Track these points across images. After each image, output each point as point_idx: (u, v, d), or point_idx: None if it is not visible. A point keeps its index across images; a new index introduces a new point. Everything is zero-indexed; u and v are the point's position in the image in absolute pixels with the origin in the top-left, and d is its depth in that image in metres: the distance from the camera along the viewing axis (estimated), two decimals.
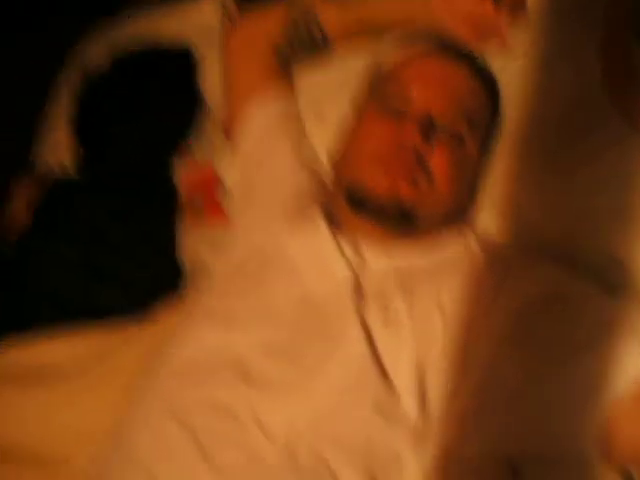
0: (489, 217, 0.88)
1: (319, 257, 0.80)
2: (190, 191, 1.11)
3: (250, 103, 0.95)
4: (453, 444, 0.70)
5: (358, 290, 0.77)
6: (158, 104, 1.16)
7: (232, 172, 0.98)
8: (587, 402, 0.67)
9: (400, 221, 0.81)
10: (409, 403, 0.70)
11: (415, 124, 0.80)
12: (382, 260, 0.81)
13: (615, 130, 0.82)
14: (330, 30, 0.96)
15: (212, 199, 1.06)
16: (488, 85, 0.89)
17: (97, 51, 1.24)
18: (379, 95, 0.86)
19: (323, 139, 0.96)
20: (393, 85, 0.85)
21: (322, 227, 0.82)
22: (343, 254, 0.80)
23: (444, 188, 0.81)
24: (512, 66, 0.90)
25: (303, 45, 0.96)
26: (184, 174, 1.12)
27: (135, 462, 0.71)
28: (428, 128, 0.80)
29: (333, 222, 0.84)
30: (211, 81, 1.13)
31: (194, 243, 1.07)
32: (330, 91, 0.99)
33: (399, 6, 0.94)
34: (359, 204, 0.81)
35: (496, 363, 0.71)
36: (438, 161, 0.80)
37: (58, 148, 1.22)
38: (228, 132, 1.01)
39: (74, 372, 0.91)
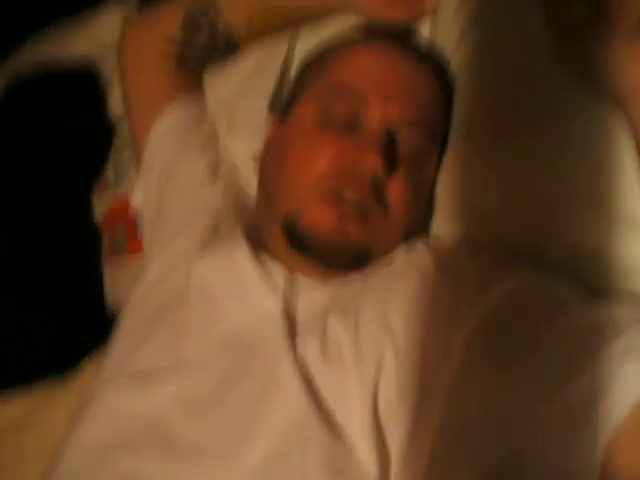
0: (440, 220, 0.74)
1: (241, 286, 0.67)
2: (110, 225, 0.99)
3: (151, 119, 0.83)
4: None
5: (290, 322, 0.64)
6: (65, 132, 1.03)
7: (137, 193, 0.84)
8: (582, 429, 0.52)
9: (351, 263, 0.68)
10: (366, 454, 0.56)
11: (374, 145, 0.65)
12: (319, 288, 0.68)
13: (575, 99, 0.67)
14: (234, 25, 0.82)
15: (133, 231, 0.93)
16: (443, 80, 0.75)
17: None
18: (315, 99, 0.70)
19: (239, 149, 0.83)
20: (332, 84, 0.70)
21: (243, 250, 0.69)
22: (270, 281, 0.67)
23: (401, 216, 0.68)
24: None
25: (204, 45, 0.83)
26: (102, 207, 1.00)
27: None
28: (390, 150, 0.66)
29: (259, 245, 0.71)
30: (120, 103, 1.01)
31: (120, 282, 0.95)
32: (239, 90, 0.85)
33: None
34: (299, 243, 0.67)
35: (461, 386, 0.59)
36: (397, 190, 0.66)
37: None
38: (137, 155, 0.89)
39: None
